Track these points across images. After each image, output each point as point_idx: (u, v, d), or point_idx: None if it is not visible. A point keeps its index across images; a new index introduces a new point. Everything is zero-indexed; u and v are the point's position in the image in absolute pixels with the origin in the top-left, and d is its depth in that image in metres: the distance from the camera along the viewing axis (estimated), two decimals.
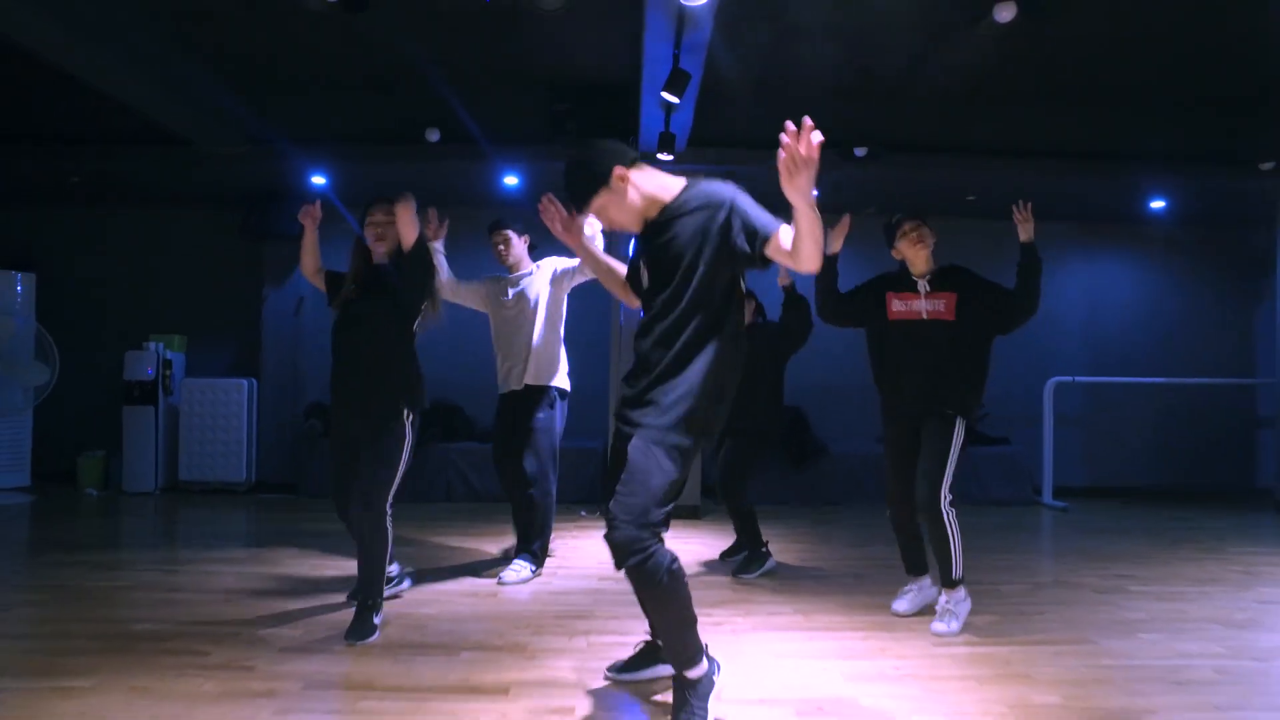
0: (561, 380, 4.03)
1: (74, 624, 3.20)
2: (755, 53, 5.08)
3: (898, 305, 3.36)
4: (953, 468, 3.21)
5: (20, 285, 6.68)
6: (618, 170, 2.24)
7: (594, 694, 2.58)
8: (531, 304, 3.99)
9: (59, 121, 6.01)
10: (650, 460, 2.15)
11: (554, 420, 3.98)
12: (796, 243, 2.05)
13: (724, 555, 4.50)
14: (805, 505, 6.58)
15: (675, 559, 2.16)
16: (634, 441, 2.20)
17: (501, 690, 2.60)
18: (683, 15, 3.63)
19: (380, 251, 3.23)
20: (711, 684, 2.29)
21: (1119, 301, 7.80)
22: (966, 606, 3.29)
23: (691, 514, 5.93)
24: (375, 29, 4.77)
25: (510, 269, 4.11)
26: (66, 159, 6.24)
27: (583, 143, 2.36)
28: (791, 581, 4.09)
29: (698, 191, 2.26)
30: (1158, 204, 6.94)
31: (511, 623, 3.32)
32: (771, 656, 2.93)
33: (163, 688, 2.55)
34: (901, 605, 3.47)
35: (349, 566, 4.18)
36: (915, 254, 3.35)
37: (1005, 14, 3.80)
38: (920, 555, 3.52)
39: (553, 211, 2.48)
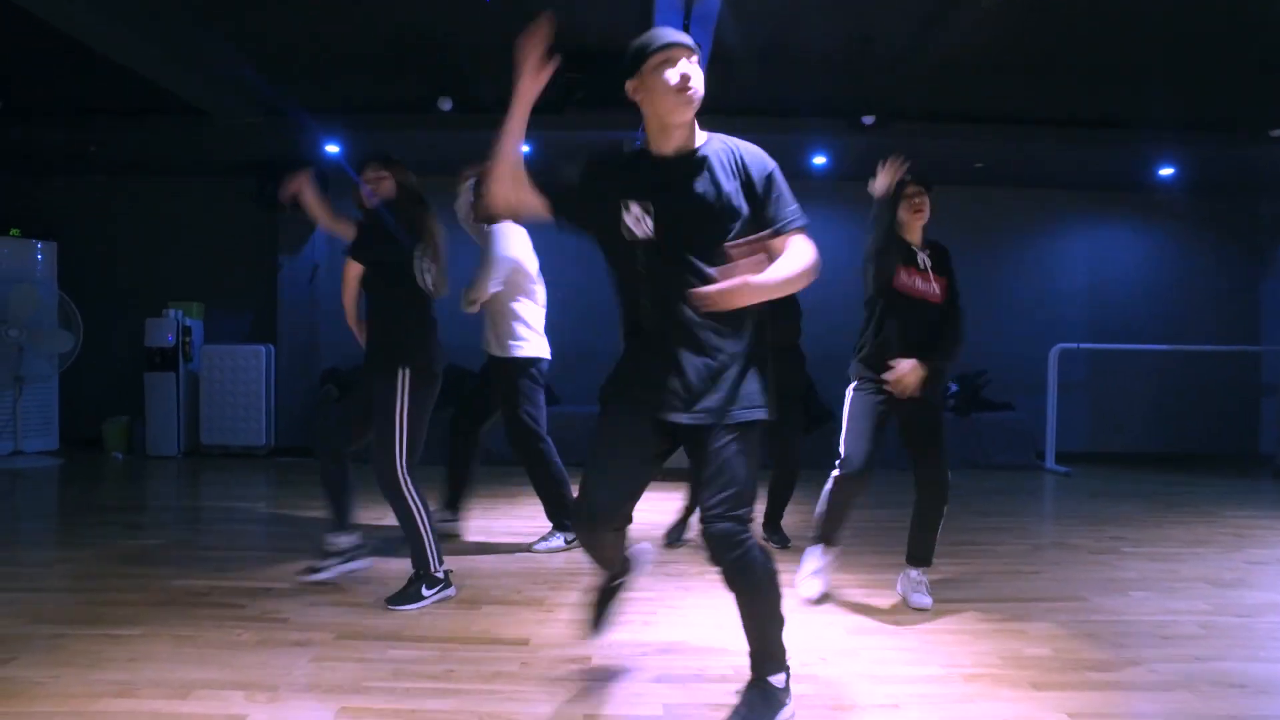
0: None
1: (113, 579, 3.38)
2: (760, 20, 5.09)
3: (904, 278, 3.21)
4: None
5: (42, 254, 6.81)
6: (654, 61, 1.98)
7: (608, 648, 2.73)
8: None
9: (78, 93, 6.08)
10: (738, 448, 1.99)
11: None
12: (776, 266, 1.95)
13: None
14: (814, 469, 6.70)
15: (767, 551, 2.06)
16: (718, 433, 1.98)
17: (522, 641, 2.76)
18: None
19: (374, 202, 3.33)
20: (784, 702, 2.14)
21: (1124, 268, 7.84)
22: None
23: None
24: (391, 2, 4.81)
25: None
26: (86, 130, 6.32)
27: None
28: (798, 540, 4.22)
29: (733, 143, 2.09)
30: (1166, 171, 6.95)
31: (530, 580, 3.49)
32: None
33: (204, 636, 2.73)
34: (818, 587, 3.27)
35: (368, 525, 4.37)
36: (913, 221, 3.24)
37: None
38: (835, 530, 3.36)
39: (538, 38, 1.96)
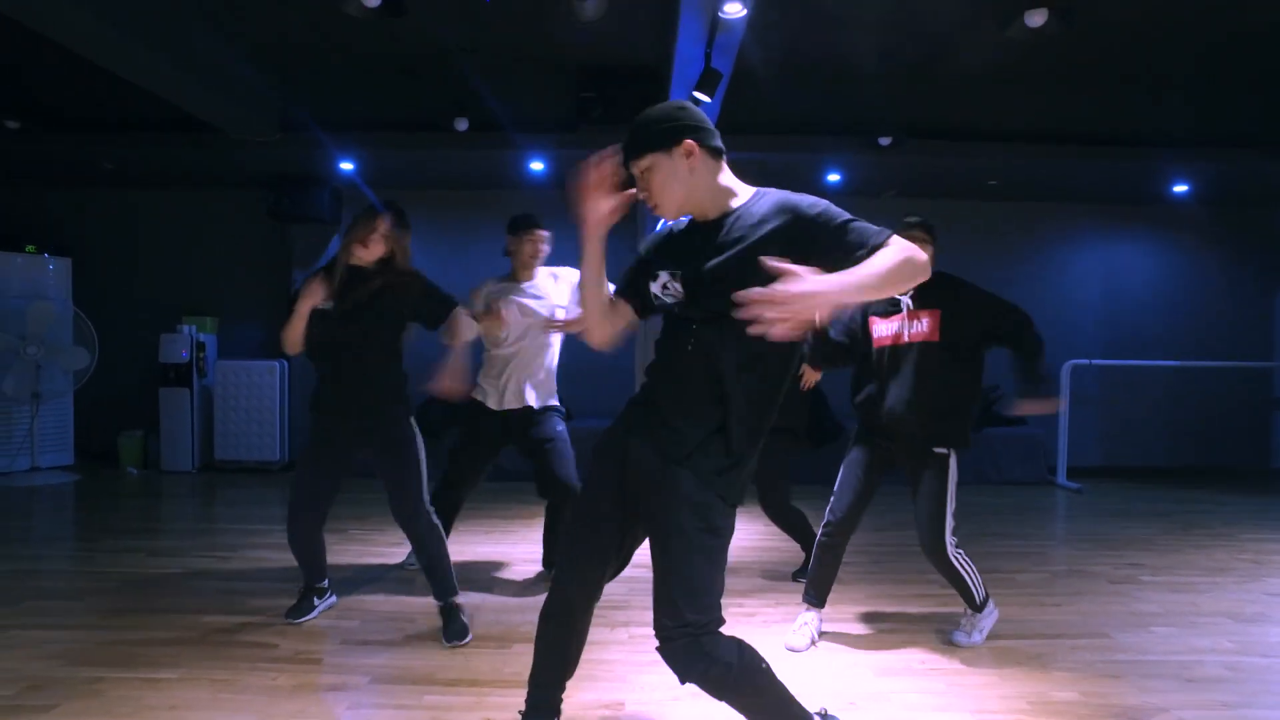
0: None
1: (144, 615, 3.40)
2: (782, 39, 5.10)
3: (881, 328, 3.05)
4: (953, 505, 2.99)
5: (57, 270, 6.83)
6: (688, 143, 1.87)
7: (641, 688, 2.76)
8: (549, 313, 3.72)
9: (92, 108, 6.10)
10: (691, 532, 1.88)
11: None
12: (855, 270, 1.76)
13: (795, 575, 4.06)
14: (824, 484, 6.73)
15: (740, 649, 1.89)
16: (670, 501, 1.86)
17: None
18: (716, 20, 3.68)
19: (367, 258, 3.14)
20: None
21: (1137, 283, 7.85)
22: (992, 619, 3.22)
23: None
24: (406, 18, 4.81)
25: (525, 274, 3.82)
26: (100, 145, 6.34)
27: (674, 102, 1.97)
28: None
29: (779, 193, 1.95)
30: (1181, 188, 6.96)
31: None
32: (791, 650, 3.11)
33: (241, 680, 2.75)
34: (799, 641, 3.14)
35: (390, 554, 4.41)
36: None
37: (1037, 19, 3.82)
38: (827, 587, 3.24)
39: (601, 166, 1.88)
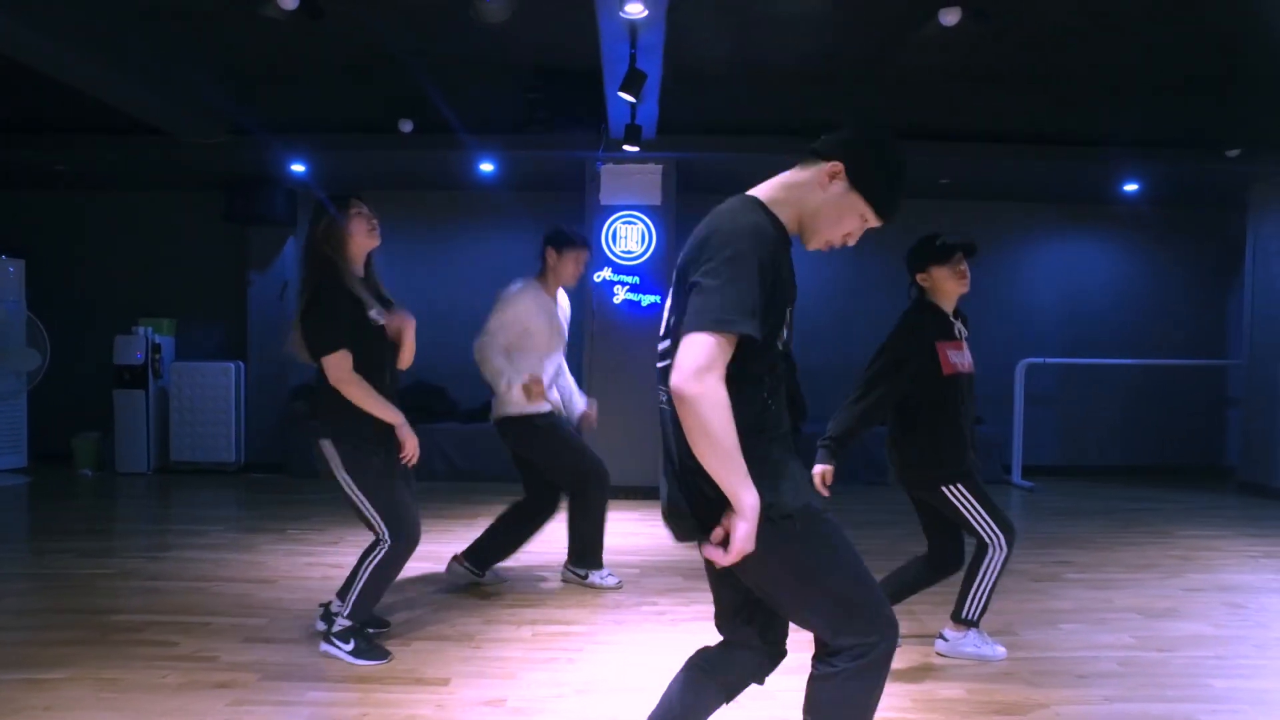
0: None
1: (55, 614, 3.41)
2: (722, 40, 5.12)
3: (954, 357, 2.85)
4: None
5: (9, 272, 6.83)
6: (831, 166, 1.64)
7: (529, 685, 2.77)
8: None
9: (44, 112, 6.11)
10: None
11: None
12: None
13: None
14: None
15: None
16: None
17: (443, 681, 2.79)
18: (630, 22, 3.69)
19: (371, 246, 2.95)
20: None
21: (1093, 282, 7.87)
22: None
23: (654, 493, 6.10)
24: (351, 21, 4.83)
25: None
26: (52, 148, 6.36)
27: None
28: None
29: None
30: (1131, 187, 6.98)
31: (468, 611, 3.52)
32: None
33: (129, 679, 2.76)
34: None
35: (323, 554, 4.42)
36: (957, 291, 2.90)
37: (950, 18, 3.84)
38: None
39: None
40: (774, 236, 1.60)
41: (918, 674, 2.90)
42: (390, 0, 4.63)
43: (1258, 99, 5.76)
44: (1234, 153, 5.81)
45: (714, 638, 1.89)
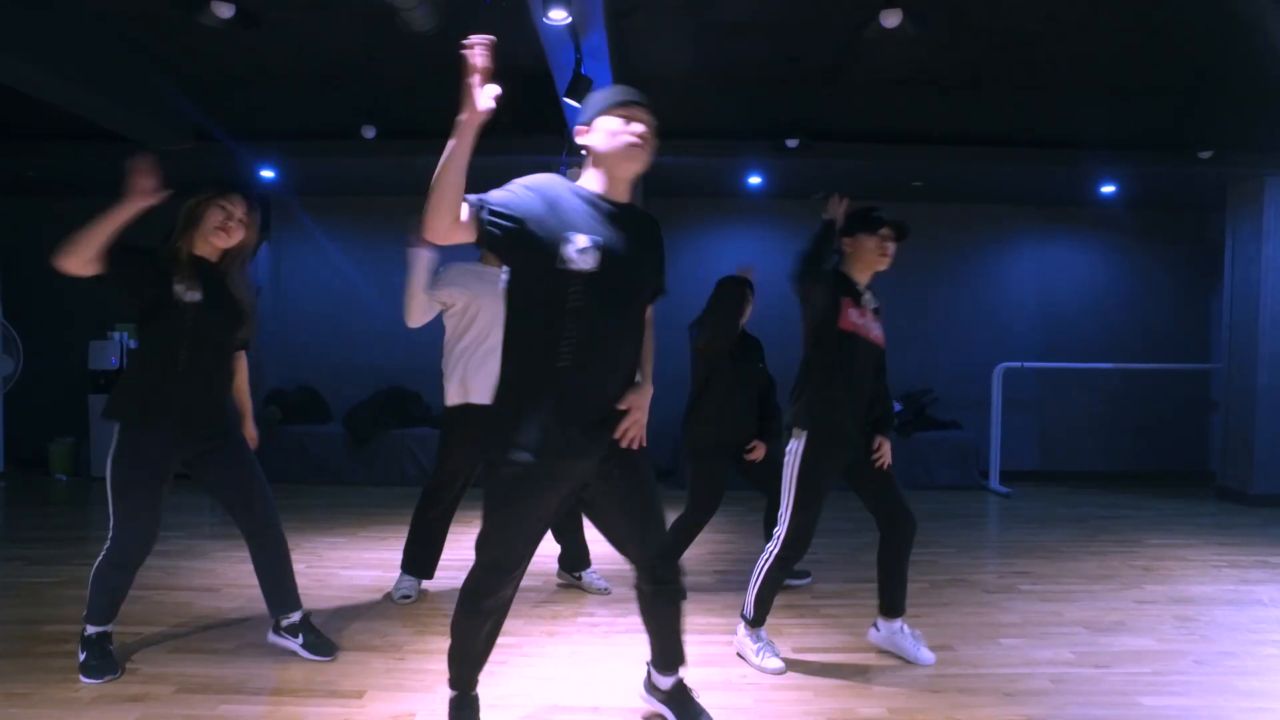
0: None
1: None
2: (680, 44, 5.08)
3: (854, 317, 2.92)
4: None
5: None
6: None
7: (442, 699, 2.72)
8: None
9: (11, 119, 6.13)
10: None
11: None
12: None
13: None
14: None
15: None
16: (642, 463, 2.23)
17: (357, 694, 2.76)
18: (573, 27, 3.66)
19: (218, 241, 2.94)
20: None
21: (1072, 285, 7.78)
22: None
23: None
24: (308, 29, 4.82)
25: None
26: (21, 155, 6.37)
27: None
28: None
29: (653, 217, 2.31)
30: (1108, 189, 6.90)
31: (399, 621, 3.49)
32: (631, 661, 3.04)
33: (42, 694, 2.73)
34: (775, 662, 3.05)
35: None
36: (876, 265, 2.96)
37: (891, 20, 3.79)
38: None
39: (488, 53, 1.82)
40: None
41: (840, 691, 2.85)
42: (347, 8, 4.61)
43: (1227, 102, 5.68)
44: (1206, 154, 5.73)
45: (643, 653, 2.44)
